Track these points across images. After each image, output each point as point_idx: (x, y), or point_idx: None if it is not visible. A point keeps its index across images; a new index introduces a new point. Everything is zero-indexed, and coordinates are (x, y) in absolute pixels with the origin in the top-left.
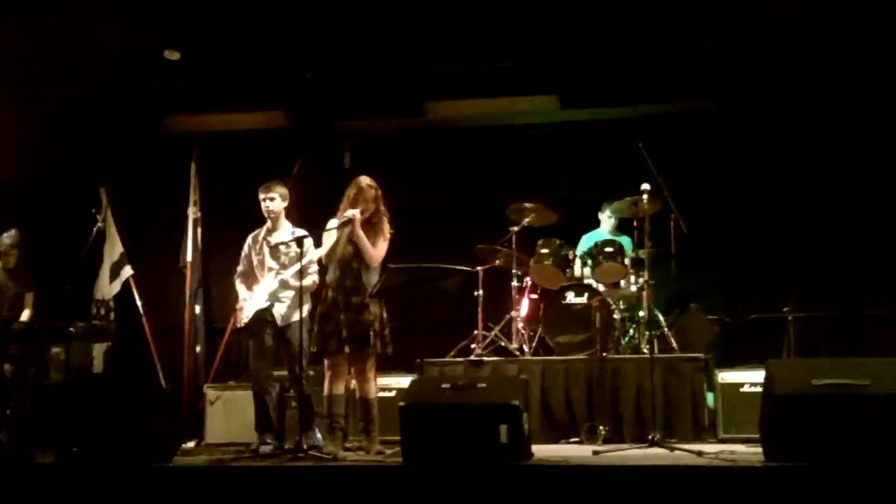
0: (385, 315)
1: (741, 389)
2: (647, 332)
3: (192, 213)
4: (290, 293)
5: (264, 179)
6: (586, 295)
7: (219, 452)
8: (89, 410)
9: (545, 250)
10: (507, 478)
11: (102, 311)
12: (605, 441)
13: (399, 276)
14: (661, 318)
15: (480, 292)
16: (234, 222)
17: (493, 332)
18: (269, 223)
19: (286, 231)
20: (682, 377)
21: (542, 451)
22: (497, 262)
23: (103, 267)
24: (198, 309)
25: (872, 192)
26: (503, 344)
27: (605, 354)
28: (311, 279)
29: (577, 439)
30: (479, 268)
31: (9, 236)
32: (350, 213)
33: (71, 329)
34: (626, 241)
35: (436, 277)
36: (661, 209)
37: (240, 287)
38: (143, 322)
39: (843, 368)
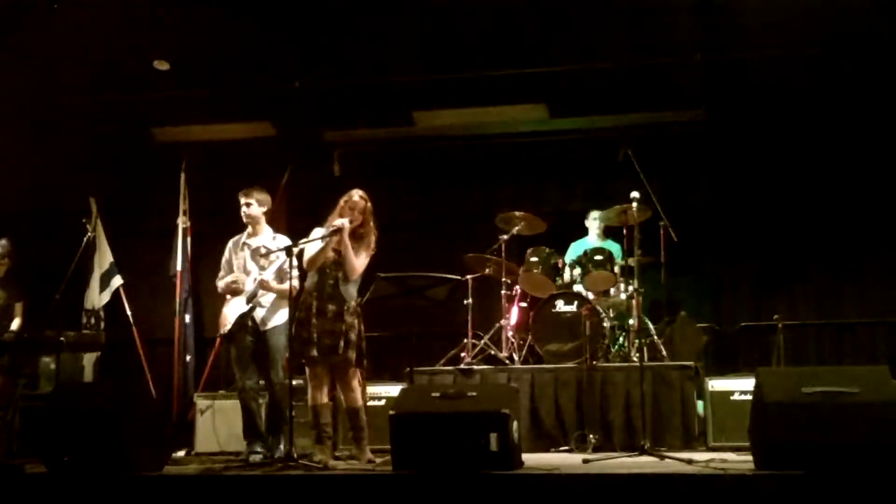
0: (362, 328)
1: (731, 398)
2: (637, 341)
3: (182, 222)
4: (272, 297)
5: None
6: (576, 303)
7: (209, 461)
8: (79, 420)
9: (534, 259)
10: (497, 486)
11: (92, 321)
12: (595, 449)
13: (389, 284)
14: (650, 326)
15: (470, 301)
16: (223, 232)
17: (482, 341)
18: (248, 228)
19: (266, 236)
20: (672, 385)
21: (532, 459)
22: (486, 270)
23: (93, 277)
24: (187, 318)
25: (860, 197)
26: (493, 352)
27: (594, 363)
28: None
29: (567, 448)
30: (468, 276)
31: None
32: (339, 221)
33: (61, 339)
34: (615, 247)
35: (425, 286)
36: (651, 217)
37: (223, 283)
38: (132, 332)
39: (833, 376)
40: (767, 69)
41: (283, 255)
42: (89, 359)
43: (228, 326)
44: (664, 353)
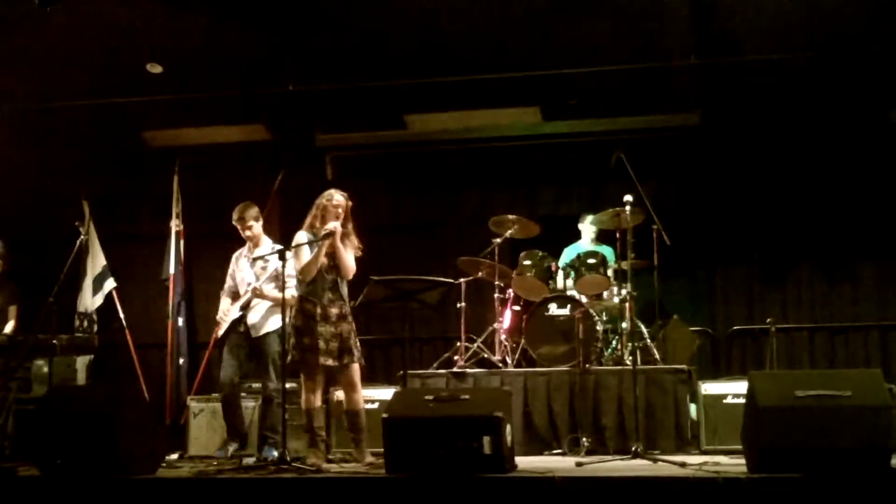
0: (354, 327)
1: (724, 401)
2: (630, 344)
3: (175, 225)
4: (265, 304)
5: (247, 192)
6: (569, 306)
7: (202, 464)
8: (72, 423)
9: (527, 262)
10: (491, 489)
11: (85, 324)
12: (588, 453)
13: (382, 288)
14: (643, 329)
15: (463, 304)
16: (216, 235)
17: (475, 344)
18: (246, 237)
19: (266, 246)
20: (665, 389)
21: (525, 462)
22: (479, 274)
23: (86, 280)
24: (180, 321)
25: (853, 202)
26: (486, 356)
27: (587, 366)
28: (289, 292)
29: (560, 451)
30: (461, 280)
31: None
32: (331, 225)
33: (54, 342)
34: (608, 251)
35: (418, 290)
36: (644, 221)
37: (223, 300)
38: (125, 335)
39: (826, 380)
40: (762, 73)
41: (274, 261)
42: (82, 362)
43: (221, 332)
44: (657, 356)
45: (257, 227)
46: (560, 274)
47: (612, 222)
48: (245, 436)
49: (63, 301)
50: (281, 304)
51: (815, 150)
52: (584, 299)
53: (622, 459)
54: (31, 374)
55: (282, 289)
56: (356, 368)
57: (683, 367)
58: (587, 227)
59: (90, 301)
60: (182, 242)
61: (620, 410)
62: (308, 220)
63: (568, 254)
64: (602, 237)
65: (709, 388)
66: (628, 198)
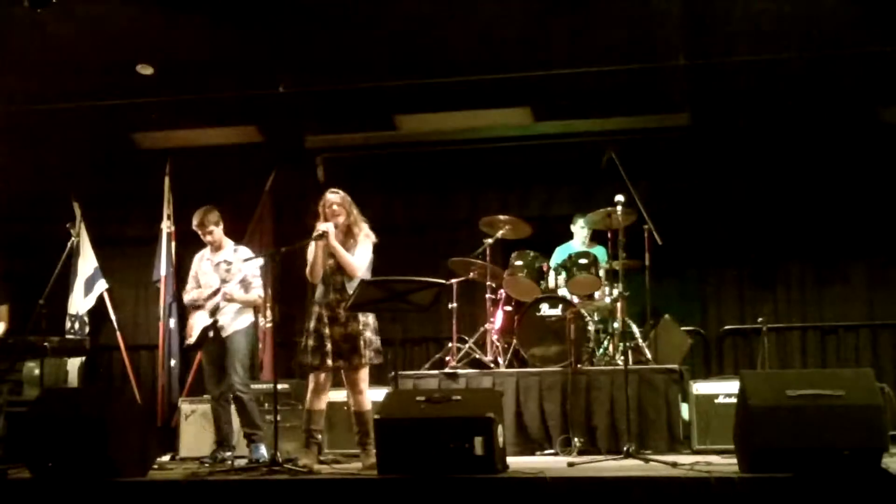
0: (376, 324)
1: (716, 401)
2: (622, 344)
3: (166, 227)
4: (234, 306)
5: (238, 194)
6: (560, 307)
7: (194, 466)
8: (64, 425)
9: (519, 262)
10: (483, 490)
11: (77, 326)
12: (580, 453)
13: (373, 289)
14: (635, 329)
15: (454, 305)
16: None
17: (467, 345)
18: (208, 243)
19: (228, 249)
20: (657, 389)
21: (517, 463)
22: (471, 274)
23: (77, 281)
24: (172, 323)
25: (844, 202)
26: (478, 356)
27: (579, 366)
28: (256, 293)
29: (552, 451)
30: (453, 280)
31: None
32: (323, 226)
33: (45, 344)
34: (600, 251)
35: (410, 291)
36: (635, 221)
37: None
38: (117, 337)
39: (817, 379)
40: (752, 74)
41: (245, 266)
42: (74, 364)
43: (193, 339)
44: (649, 356)
45: (218, 231)
46: (552, 274)
47: (603, 222)
48: (228, 441)
49: (54, 303)
50: (249, 307)
51: (806, 150)
52: (575, 300)
53: (614, 459)
54: (23, 377)
55: (252, 291)
56: (363, 370)
57: (675, 367)
58: (579, 228)
59: (81, 303)
60: (173, 244)
61: (612, 411)
62: (315, 226)
63: (559, 254)
64: (594, 237)
65: (700, 387)
66: (620, 198)
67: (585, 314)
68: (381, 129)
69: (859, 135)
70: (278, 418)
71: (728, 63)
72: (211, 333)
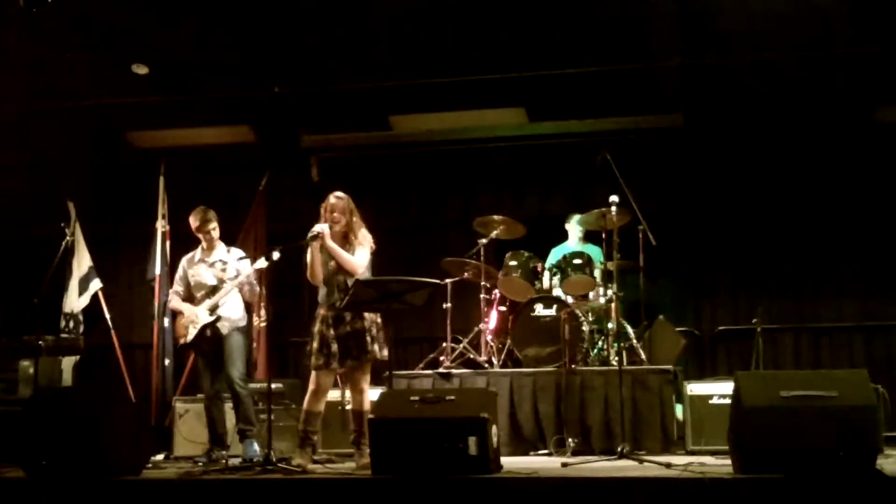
0: (380, 320)
1: (710, 401)
2: (616, 344)
3: (161, 226)
4: (232, 305)
5: (232, 194)
6: (555, 307)
7: (188, 465)
8: (58, 424)
9: (513, 263)
10: (477, 490)
11: (71, 325)
12: (574, 453)
13: (367, 289)
14: (629, 330)
15: (449, 305)
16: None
17: (461, 345)
18: (204, 244)
19: (221, 249)
20: (651, 389)
21: (511, 463)
22: (465, 274)
23: (72, 280)
24: (166, 322)
25: (838, 202)
26: (472, 356)
27: (573, 366)
28: (256, 290)
29: (546, 451)
30: (447, 280)
31: None
32: (318, 228)
33: (40, 343)
34: (594, 251)
35: (404, 290)
36: (630, 221)
37: (182, 305)
38: (111, 336)
39: (811, 380)
40: (746, 74)
41: (241, 266)
42: (68, 363)
43: (190, 337)
44: (643, 356)
45: (218, 230)
46: (546, 274)
47: (597, 223)
48: (224, 440)
49: (49, 302)
50: (248, 304)
51: (800, 151)
52: (570, 300)
53: (608, 460)
54: (17, 375)
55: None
56: (367, 368)
57: (669, 367)
58: (574, 228)
59: (76, 302)
60: (168, 243)
61: (606, 411)
62: None
63: (554, 254)
64: (588, 238)
65: (695, 388)
66: (614, 198)
67: (580, 314)
68: (376, 129)
69: (854, 135)
70: (272, 417)
71: (722, 64)
72: (208, 332)
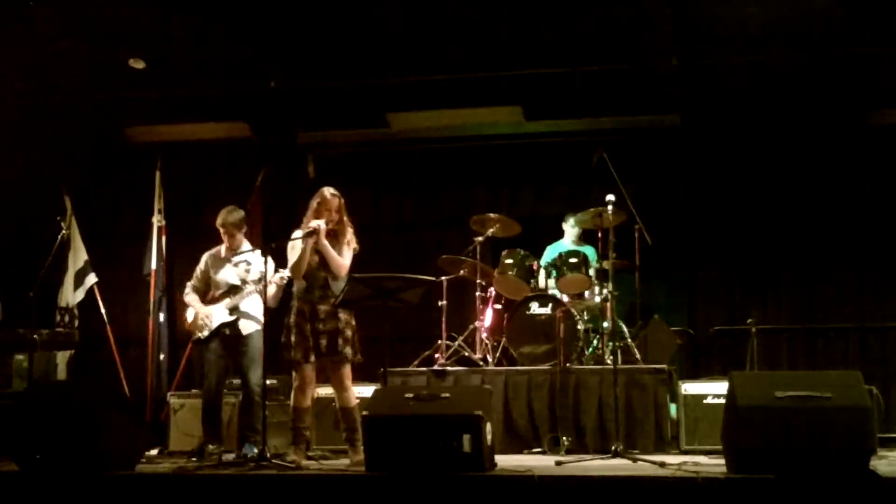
0: (353, 322)
1: (704, 401)
2: (611, 344)
3: (157, 221)
4: (254, 305)
5: (228, 189)
6: (550, 306)
7: (182, 460)
8: (52, 418)
9: (509, 261)
10: (470, 488)
11: (66, 319)
12: (568, 452)
13: (362, 286)
14: (624, 329)
15: (444, 303)
16: (198, 231)
17: (456, 343)
18: (227, 242)
19: (245, 247)
20: (645, 389)
21: (505, 461)
22: (461, 272)
23: (67, 275)
24: (161, 317)
25: (834, 203)
26: (467, 354)
27: (568, 365)
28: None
29: (540, 450)
30: (442, 278)
31: None
32: (314, 223)
33: (34, 337)
34: (590, 251)
35: (399, 288)
36: (626, 221)
37: (194, 300)
38: (106, 330)
39: (806, 381)
40: (743, 74)
41: (261, 266)
42: (63, 357)
43: (206, 332)
44: (638, 356)
45: (241, 230)
46: (541, 273)
47: (593, 222)
48: (222, 436)
49: (44, 296)
50: (267, 304)
51: (796, 152)
52: (565, 299)
53: (602, 459)
54: (12, 369)
55: (263, 290)
56: (346, 367)
57: (664, 367)
58: (570, 227)
59: (71, 296)
60: (164, 238)
61: (601, 410)
62: (304, 219)
63: (550, 253)
64: (584, 237)
65: (689, 388)
66: (610, 197)
67: (575, 313)
68: (373, 126)
69: (850, 137)
70: (266, 413)
71: (719, 64)
72: (227, 331)
